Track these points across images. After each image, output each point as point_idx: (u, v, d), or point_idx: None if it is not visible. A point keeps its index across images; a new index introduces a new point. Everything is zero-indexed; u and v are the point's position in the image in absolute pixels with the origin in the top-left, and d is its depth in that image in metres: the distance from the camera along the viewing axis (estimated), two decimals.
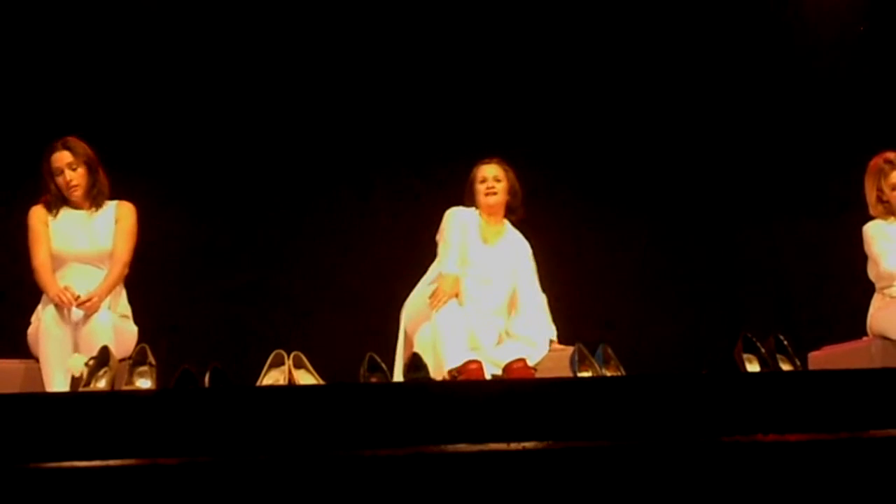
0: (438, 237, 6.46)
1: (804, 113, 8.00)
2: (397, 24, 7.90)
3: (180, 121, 7.65)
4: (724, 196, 8.00)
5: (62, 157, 6.17)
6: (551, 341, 6.42)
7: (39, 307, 6.04)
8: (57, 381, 5.68)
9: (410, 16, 7.90)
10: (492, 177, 6.54)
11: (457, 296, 6.15)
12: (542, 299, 6.56)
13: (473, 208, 6.56)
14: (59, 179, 6.16)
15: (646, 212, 7.99)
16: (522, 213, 6.64)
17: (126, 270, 6.13)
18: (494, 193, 6.52)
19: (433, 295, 6.14)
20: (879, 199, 6.44)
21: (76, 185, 6.16)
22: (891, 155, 6.43)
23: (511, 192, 6.57)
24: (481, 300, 6.30)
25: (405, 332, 6.38)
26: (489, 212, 6.55)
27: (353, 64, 7.87)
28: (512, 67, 7.96)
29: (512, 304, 6.46)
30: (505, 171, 6.57)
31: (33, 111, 7.38)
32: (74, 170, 6.16)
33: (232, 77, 7.75)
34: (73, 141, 6.20)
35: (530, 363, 6.02)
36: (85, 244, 6.11)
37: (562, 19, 8.01)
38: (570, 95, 7.99)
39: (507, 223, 6.62)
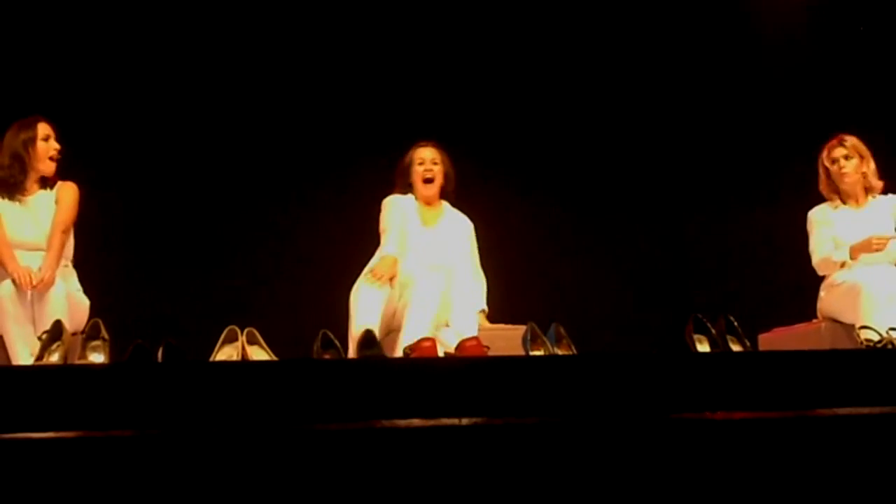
0: (381, 227, 6.45)
1: (755, 97, 8.05)
2: (346, 23, 7.92)
3: (132, 101, 7.63)
4: (676, 179, 8.05)
5: (48, 128, 6.19)
6: (482, 311, 6.46)
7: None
8: (20, 356, 5.68)
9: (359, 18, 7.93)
10: (429, 159, 6.52)
11: (391, 279, 6.13)
12: (479, 281, 6.56)
13: (410, 195, 6.54)
14: (44, 145, 6.14)
15: (597, 195, 8.03)
16: (453, 199, 6.62)
17: (66, 238, 6.10)
18: (431, 179, 6.50)
19: (370, 272, 6.14)
20: (827, 177, 6.54)
21: (56, 156, 6.17)
22: (843, 134, 6.52)
23: (447, 176, 6.56)
24: (427, 283, 6.28)
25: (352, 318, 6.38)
26: (426, 198, 6.53)
27: (309, 49, 7.87)
28: (456, 57, 7.98)
29: None
30: (441, 154, 6.56)
31: None
32: (57, 142, 6.18)
33: (181, 60, 7.73)
34: (39, 119, 6.23)
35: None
36: (31, 233, 6.09)
37: (506, 6, 8.03)
38: (517, 79, 8.00)
39: (444, 204, 6.61)
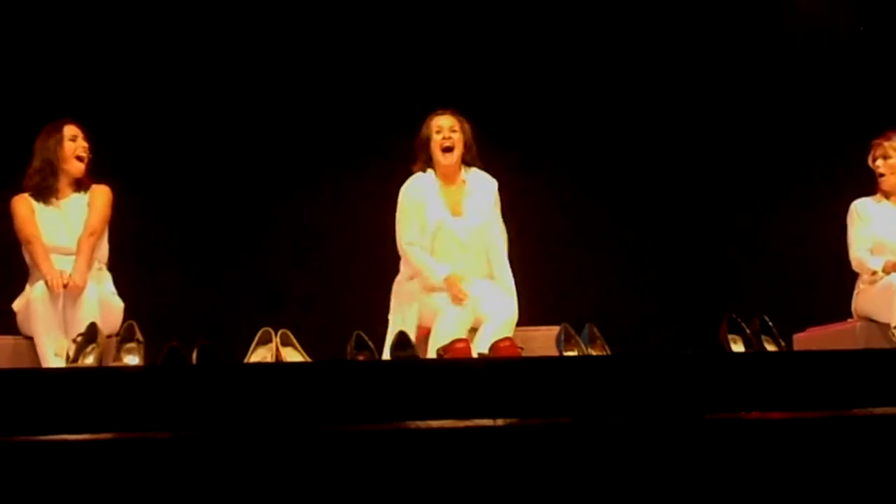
0: (397, 220, 6.41)
1: (793, 95, 8.01)
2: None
3: (158, 111, 7.64)
4: (713, 177, 8.02)
5: (75, 129, 6.23)
6: None
7: (28, 285, 6.06)
8: (50, 358, 5.71)
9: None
10: (447, 127, 6.37)
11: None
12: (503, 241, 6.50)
13: (430, 171, 6.41)
14: (71, 145, 6.18)
15: (635, 193, 8.00)
16: (479, 163, 6.49)
17: (96, 240, 6.13)
18: (451, 148, 6.34)
19: (455, 300, 6.12)
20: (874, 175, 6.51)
21: (85, 156, 6.20)
22: (891, 131, 6.48)
23: (466, 144, 6.41)
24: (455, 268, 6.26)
25: (394, 313, 6.38)
26: (447, 170, 6.40)
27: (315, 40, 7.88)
28: (490, 44, 7.95)
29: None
30: (461, 122, 6.41)
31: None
32: (86, 142, 6.20)
33: (195, 65, 7.73)
34: (73, 122, 6.26)
35: (510, 312, 6.08)
36: (66, 238, 6.12)
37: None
38: (554, 77, 7.98)
39: (466, 176, 6.46)
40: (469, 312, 6.11)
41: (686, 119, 8.05)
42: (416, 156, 6.46)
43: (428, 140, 6.41)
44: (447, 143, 6.37)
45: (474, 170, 6.46)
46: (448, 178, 6.42)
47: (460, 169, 6.45)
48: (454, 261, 6.27)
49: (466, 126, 6.43)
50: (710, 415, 4.03)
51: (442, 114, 6.44)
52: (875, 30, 8.03)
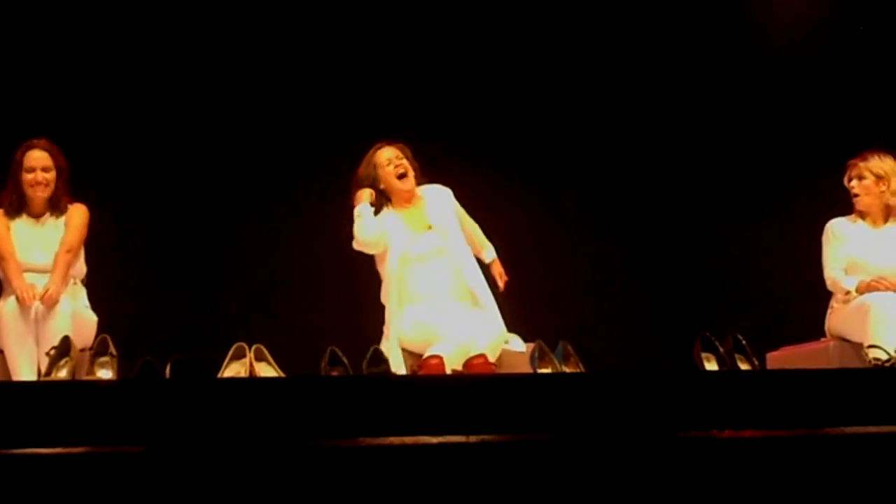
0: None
1: (771, 115, 8.04)
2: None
3: (137, 118, 7.63)
4: (690, 195, 8.04)
5: (36, 156, 6.19)
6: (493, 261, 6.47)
7: (0, 299, 6.05)
8: (22, 372, 5.70)
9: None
10: (394, 156, 6.36)
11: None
12: (480, 238, 6.52)
13: (387, 207, 6.37)
14: (29, 176, 6.16)
15: (609, 210, 8.02)
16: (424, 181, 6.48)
17: (71, 257, 6.11)
18: (405, 174, 6.32)
19: None
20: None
21: (45, 186, 6.17)
22: (867, 152, 6.50)
23: (415, 169, 6.40)
24: (436, 289, 6.26)
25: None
26: (405, 195, 6.37)
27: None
28: (470, 60, 7.97)
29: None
30: (401, 149, 6.40)
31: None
32: (47, 171, 6.18)
33: (181, 73, 7.73)
34: (48, 143, 6.22)
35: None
36: (41, 256, 6.10)
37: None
38: (531, 88, 8.00)
39: (418, 192, 6.43)
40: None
41: (663, 137, 8.07)
42: (353, 198, 6.40)
43: (375, 175, 6.38)
44: (400, 170, 6.35)
45: (425, 193, 6.47)
46: (407, 201, 6.42)
47: (417, 196, 6.43)
48: (430, 279, 6.27)
49: (408, 151, 6.43)
50: (683, 433, 4.04)
51: (381, 147, 6.41)
52: (855, 51, 8.07)
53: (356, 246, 6.35)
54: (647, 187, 8.05)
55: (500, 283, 6.40)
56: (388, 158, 6.37)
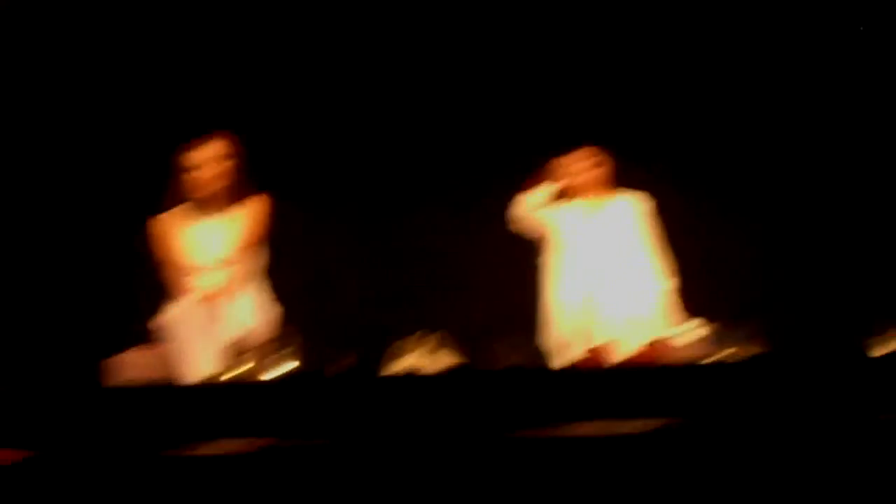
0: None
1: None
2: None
3: (311, 116, 7.71)
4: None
5: (202, 155, 6.16)
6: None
7: (175, 298, 6.14)
8: (206, 368, 5.80)
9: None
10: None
11: None
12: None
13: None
14: (191, 176, 6.21)
15: None
16: None
17: (252, 253, 6.17)
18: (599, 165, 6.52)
19: None
20: None
21: (220, 179, 6.20)
22: None
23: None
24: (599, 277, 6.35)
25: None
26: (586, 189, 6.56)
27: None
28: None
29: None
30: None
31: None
32: (222, 164, 6.19)
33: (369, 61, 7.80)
34: (222, 136, 6.23)
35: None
36: (220, 251, 6.13)
37: None
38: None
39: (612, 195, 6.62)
40: None
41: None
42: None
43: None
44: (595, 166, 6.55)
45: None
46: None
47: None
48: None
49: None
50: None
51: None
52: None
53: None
54: None
55: None
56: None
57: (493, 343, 5.56)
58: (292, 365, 5.36)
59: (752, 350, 5.36)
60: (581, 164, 6.52)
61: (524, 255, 6.79)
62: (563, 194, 6.53)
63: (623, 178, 6.67)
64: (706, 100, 7.87)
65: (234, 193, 6.21)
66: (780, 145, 7.88)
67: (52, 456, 3.78)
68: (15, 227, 7.36)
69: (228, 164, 6.19)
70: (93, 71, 7.63)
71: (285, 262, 6.66)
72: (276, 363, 5.37)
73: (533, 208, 6.42)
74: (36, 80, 7.62)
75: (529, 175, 6.69)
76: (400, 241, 7.79)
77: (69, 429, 3.88)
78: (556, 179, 6.53)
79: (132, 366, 5.99)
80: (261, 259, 6.27)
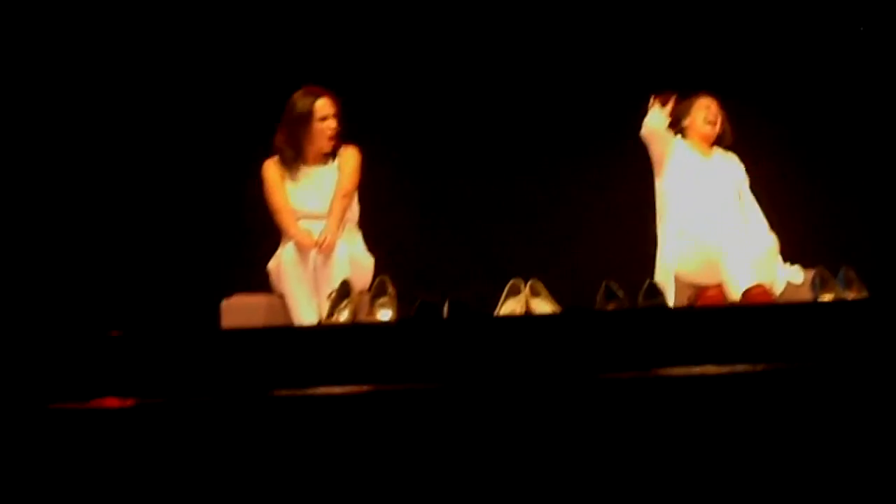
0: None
1: None
2: None
3: (404, 69, 7.69)
4: None
5: (328, 106, 6.24)
6: None
7: (280, 246, 6.19)
8: (303, 315, 5.85)
9: None
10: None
11: None
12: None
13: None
14: (321, 126, 6.21)
15: None
16: None
17: (347, 202, 6.21)
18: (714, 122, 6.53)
19: None
20: None
21: (334, 136, 6.26)
22: None
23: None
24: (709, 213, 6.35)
25: None
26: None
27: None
28: None
29: None
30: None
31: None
32: (336, 119, 6.26)
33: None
34: (328, 90, 6.28)
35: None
36: (317, 202, 6.19)
37: None
38: None
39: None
40: None
41: None
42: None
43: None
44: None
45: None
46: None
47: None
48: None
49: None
50: None
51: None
52: None
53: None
54: None
55: None
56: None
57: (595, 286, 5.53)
58: (389, 313, 5.40)
59: (853, 294, 5.32)
60: (706, 112, 6.46)
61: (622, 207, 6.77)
62: (679, 131, 6.49)
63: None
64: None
65: (336, 145, 6.28)
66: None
67: (163, 401, 3.83)
68: (134, 167, 7.42)
69: (332, 130, 6.25)
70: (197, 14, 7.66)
71: (379, 213, 6.70)
72: (372, 312, 5.42)
73: (661, 125, 6.35)
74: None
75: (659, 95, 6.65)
76: (496, 193, 7.78)
77: (179, 372, 3.94)
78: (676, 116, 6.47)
79: (240, 310, 6.08)
80: (355, 209, 6.31)
